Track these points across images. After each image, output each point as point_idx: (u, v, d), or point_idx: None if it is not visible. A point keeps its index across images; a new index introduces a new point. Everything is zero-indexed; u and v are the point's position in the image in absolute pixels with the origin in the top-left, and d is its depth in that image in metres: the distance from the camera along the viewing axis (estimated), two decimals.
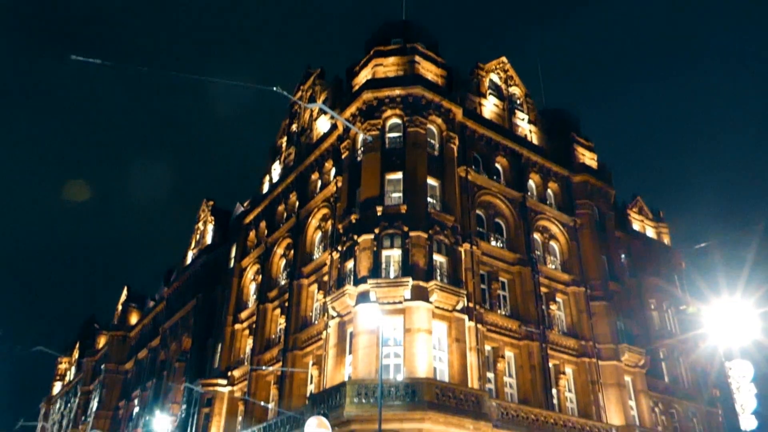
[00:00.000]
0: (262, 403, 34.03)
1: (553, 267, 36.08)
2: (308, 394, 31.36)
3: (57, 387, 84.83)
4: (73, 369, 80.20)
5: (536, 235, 36.17)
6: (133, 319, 67.46)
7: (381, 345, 25.31)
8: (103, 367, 63.79)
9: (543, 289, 34.24)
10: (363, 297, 27.80)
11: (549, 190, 38.74)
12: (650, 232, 48.82)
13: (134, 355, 60.32)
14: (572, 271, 36.12)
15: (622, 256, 41.81)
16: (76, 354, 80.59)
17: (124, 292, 71.85)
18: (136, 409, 53.75)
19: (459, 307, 28.64)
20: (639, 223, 48.37)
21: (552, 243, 37.03)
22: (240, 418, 37.17)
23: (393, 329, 27.53)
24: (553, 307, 34.37)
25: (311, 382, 32.29)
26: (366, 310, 26.77)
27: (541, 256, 35.66)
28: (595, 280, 35.92)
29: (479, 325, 29.87)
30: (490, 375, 30.37)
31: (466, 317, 29.05)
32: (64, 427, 71.85)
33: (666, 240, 49.39)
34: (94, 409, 61.33)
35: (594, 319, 34.89)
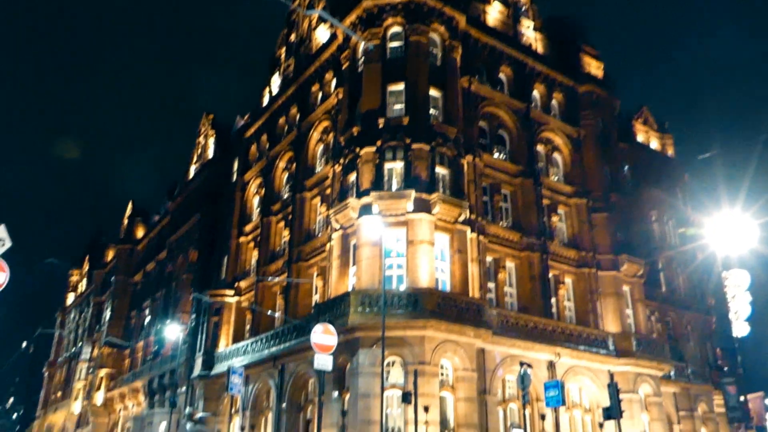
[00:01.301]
0: (269, 312, 35.02)
1: (556, 179, 36.07)
2: (313, 304, 32.22)
3: (70, 298, 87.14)
4: (84, 281, 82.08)
5: (539, 147, 35.93)
6: (140, 232, 68.36)
7: (384, 256, 25.79)
8: (113, 279, 65.25)
9: (545, 201, 34.38)
10: (366, 209, 27.98)
11: (553, 101, 38.13)
12: (654, 144, 48.43)
13: (142, 267, 61.53)
14: (575, 182, 36.12)
15: (625, 167, 41.71)
16: (86, 266, 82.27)
17: (129, 206, 72.40)
18: (148, 319, 55.38)
19: (461, 219, 28.86)
20: (643, 135, 47.91)
21: (555, 155, 36.83)
22: (248, 327, 38.36)
23: (396, 241, 27.88)
24: (554, 218, 34.62)
25: (316, 293, 33.08)
26: (369, 222, 27.03)
27: (543, 167, 35.56)
28: (597, 191, 35.97)
29: (481, 237, 30.23)
30: (491, 285, 31.01)
31: (468, 229, 29.34)
32: (80, 335, 74.37)
33: (670, 152, 49.07)
34: (107, 318, 63.22)
35: (595, 230, 35.22)
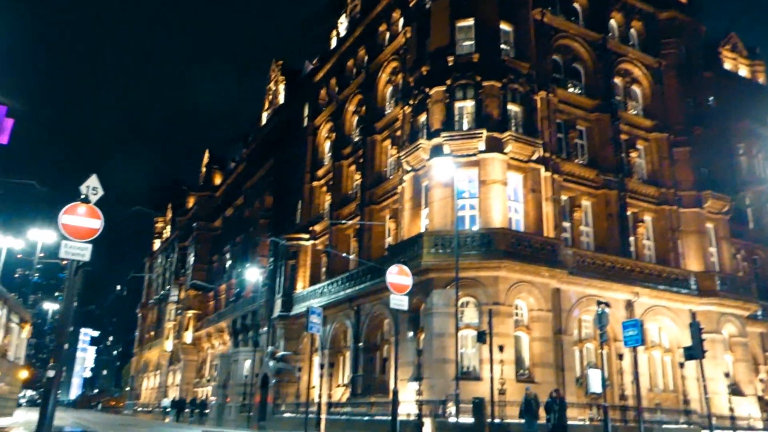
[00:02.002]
0: (344, 255, 35.75)
1: (635, 112, 34.51)
2: (386, 246, 32.64)
3: (157, 244, 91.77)
4: (168, 227, 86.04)
5: (617, 80, 34.31)
6: (217, 179, 70.62)
7: (456, 197, 25.65)
8: (194, 225, 68.04)
9: (623, 136, 33.05)
10: (437, 150, 27.75)
11: (632, 30, 36.10)
12: (743, 72, 45.29)
13: (221, 213, 63.78)
14: (655, 116, 34.44)
15: (710, 98, 39.27)
16: (169, 214, 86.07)
17: (206, 155, 74.66)
18: (228, 263, 57.74)
19: (535, 157, 28.22)
20: (731, 62, 44.85)
21: (634, 87, 35.12)
22: (324, 269, 39.37)
23: (468, 181, 27.63)
24: (633, 154, 33.31)
25: (389, 235, 33.45)
26: (440, 163, 26.85)
27: (621, 101, 34.04)
28: (679, 124, 34.21)
29: (555, 175, 29.52)
30: (567, 224, 30.43)
31: (542, 167, 28.68)
32: (167, 278, 78.52)
33: (761, 79, 45.80)
34: (191, 263, 66.34)
35: (676, 165, 33.70)
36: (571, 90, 32.51)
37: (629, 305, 28.94)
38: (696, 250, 32.28)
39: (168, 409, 49.28)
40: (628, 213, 31.77)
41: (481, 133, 27.25)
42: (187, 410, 48.19)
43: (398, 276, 14.32)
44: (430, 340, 25.22)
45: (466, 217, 27.47)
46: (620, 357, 24.76)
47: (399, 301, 14.15)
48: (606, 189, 31.35)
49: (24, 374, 17.07)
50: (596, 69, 33.23)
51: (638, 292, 29.13)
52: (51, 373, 9.33)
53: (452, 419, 21.48)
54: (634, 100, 35.02)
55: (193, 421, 42.32)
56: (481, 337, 23.09)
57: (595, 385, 25.63)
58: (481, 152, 27.28)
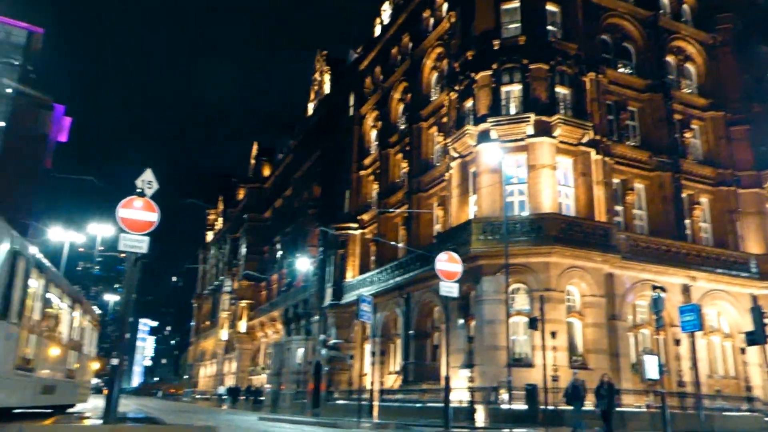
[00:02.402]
0: (393, 243, 35.87)
1: (689, 91, 33.40)
2: (435, 234, 32.59)
3: (209, 236, 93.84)
4: (220, 219, 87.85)
5: (669, 58, 33.25)
6: (266, 171, 71.65)
7: (504, 183, 25.38)
8: (245, 216, 69.26)
9: (677, 116, 32.05)
10: (484, 136, 27.50)
11: (684, 5, 34.90)
12: None
13: (271, 204, 64.74)
14: (710, 94, 33.27)
15: None
16: (220, 206, 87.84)
17: (255, 147, 75.81)
18: (279, 253, 58.63)
19: (584, 140, 27.67)
20: None
21: (687, 65, 33.97)
22: (372, 258, 39.59)
23: (516, 166, 27.32)
24: (687, 134, 32.29)
25: (437, 222, 33.38)
26: (488, 149, 26.60)
27: (674, 80, 33.00)
28: (736, 102, 32.93)
29: (606, 158, 28.89)
30: (619, 208, 29.80)
31: (592, 150, 28.11)
32: (220, 269, 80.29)
33: None
34: (243, 253, 67.62)
35: (733, 144, 32.52)
36: (621, 70, 31.69)
37: (686, 290, 28.18)
38: (756, 231, 31.14)
39: (224, 397, 50.61)
40: (684, 195, 30.88)
41: (529, 117, 26.86)
42: (242, 397, 49.36)
43: (448, 263, 14.30)
44: (481, 327, 25.14)
45: (515, 202, 27.19)
46: (677, 342, 24.19)
47: (449, 288, 14.14)
48: (660, 171, 30.53)
49: (96, 365, 19.25)
50: (647, 48, 32.27)
51: (695, 276, 28.34)
52: (114, 362, 9.71)
53: (505, 406, 21.41)
54: (687, 78, 33.89)
55: (247, 408, 43.35)
56: (532, 324, 22.90)
57: (652, 372, 25.01)
58: (529, 136, 26.92)
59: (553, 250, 24.96)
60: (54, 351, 15.10)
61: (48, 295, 14.39)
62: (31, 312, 12.96)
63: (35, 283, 13.14)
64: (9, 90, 53.43)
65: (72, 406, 19.46)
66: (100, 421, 10.35)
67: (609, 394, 18.05)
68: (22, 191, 56.54)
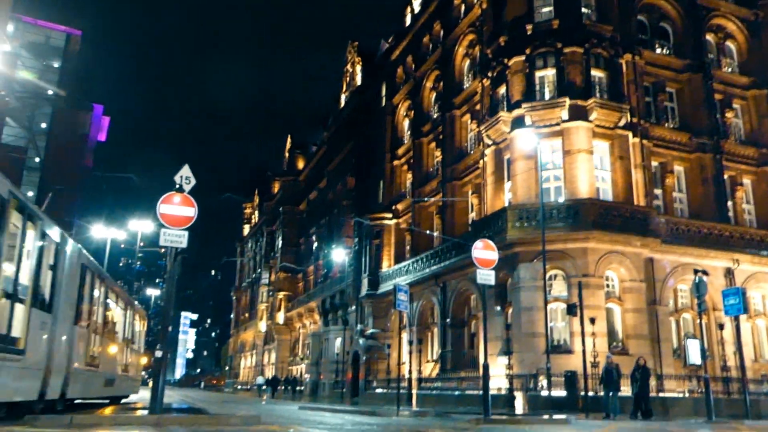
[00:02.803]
0: (428, 232, 35.85)
1: (729, 70, 32.49)
2: (470, 222, 32.47)
3: (246, 229, 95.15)
4: (256, 213, 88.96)
5: (709, 37, 32.37)
6: (300, 164, 72.22)
7: (539, 169, 25.12)
8: (280, 209, 70.01)
9: (717, 96, 31.21)
10: (518, 122, 27.24)
11: None
12: None
13: (306, 196, 65.29)
14: (752, 72, 32.30)
15: None
16: (256, 199, 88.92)
17: (288, 140, 76.44)
18: (315, 244, 59.16)
19: (621, 123, 27.19)
20: None
21: (728, 43, 33.02)
22: (408, 247, 39.66)
23: (551, 152, 27.01)
24: (728, 114, 31.44)
25: (472, 210, 33.24)
26: (522, 135, 26.35)
27: (714, 59, 32.13)
28: None
29: (644, 141, 28.35)
30: (658, 191, 29.25)
31: (629, 133, 27.60)
32: (257, 262, 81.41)
33: None
34: (279, 246, 68.43)
35: None
36: (658, 51, 30.99)
37: (729, 273, 27.54)
38: None
39: (263, 387, 51.44)
40: (725, 176, 30.12)
41: (564, 101, 26.50)
42: (281, 387, 50.08)
43: (484, 251, 14.23)
44: (519, 315, 25.02)
45: (551, 188, 26.90)
46: (721, 327, 23.69)
47: (486, 276, 14.09)
48: (700, 152, 29.84)
49: (144, 360, 20.91)
50: (685, 27, 31.47)
51: (738, 259, 27.66)
52: (159, 354, 9.97)
53: (544, 393, 21.29)
54: (728, 57, 32.96)
55: (286, 398, 43.98)
56: (571, 310, 22.67)
57: (694, 357, 24.66)
58: (564, 121, 26.57)
59: (590, 235, 24.65)
60: (113, 349, 17.27)
61: (107, 301, 16.29)
62: (96, 316, 14.98)
63: (97, 292, 15.00)
64: (50, 92, 54.83)
65: (127, 396, 21.75)
66: (146, 412, 10.65)
67: (642, 377, 17.83)
68: (66, 190, 58.14)
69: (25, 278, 9.73)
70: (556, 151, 26.95)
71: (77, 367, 12.93)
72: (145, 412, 10.84)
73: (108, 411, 13.88)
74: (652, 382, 21.79)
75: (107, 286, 16.14)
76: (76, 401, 15.20)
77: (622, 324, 25.17)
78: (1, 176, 8.67)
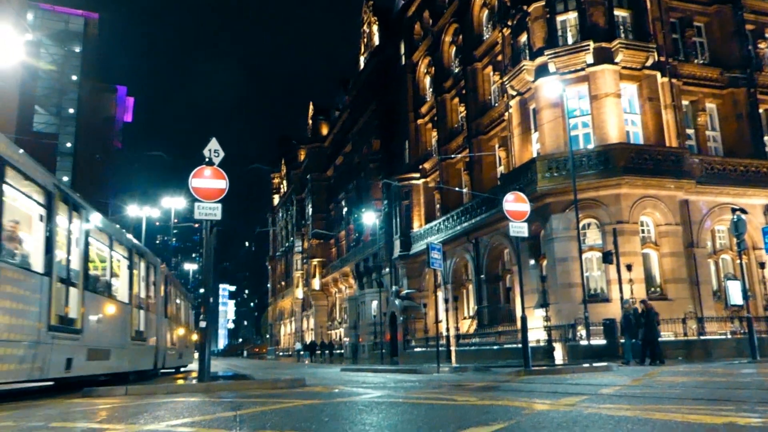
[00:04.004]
0: (456, 189, 35.69)
1: None
2: (498, 176, 32.19)
3: (276, 199, 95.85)
4: (284, 182, 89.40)
5: None
6: (324, 130, 72.05)
7: (566, 117, 24.66)
8: (308, 177, 70.26)
9: (748, 27, 30.04)
10: (542, 70, 26.68)
11: None
12: None
13: (332, 162, 65.30)
14: None
15: None
16: (283, 169, 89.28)
17: (311, 107, 76.15)
18: (345, 209, 59.40)
19: (649, 63, 26.44)
20: None
21: None
22: (438, 206, 39.58)
23: (578, 98, 26.47)
24: (761, 45, 30.30)
25: (499, 164, 32.91)
26: (547, 83, 25.85)
27: None
28: None
29: (674, 80, 27.56)
30: (690, 131, 28.54)
31: (657, 73, 26.85)
32: (289, 231, 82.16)
33: None
34: (310, 213, 68.90)
35: None
36: None
37: None
38: None
39: (302, 352, 52.46)
40: (761, 110, 29.21)
41: (588, 45, 25.83)
42: (318, 352, 51.08)
43: (515, 203, 14.10)
44: (554, 266, 24.91)
45: (580, 136, 26.44)
46: (761, 266, 23.26)
47: (519, 228, 13.97)
48: (733, 88, 28.92)
49: (195, 336, 25.30)
50: None
51: None
52: (203, 324, 10.20)
53: (583, 342, 21.31)
54: None
55: (324, 362, 44.82)
56: (606, 258, 22.50)
57: (736, 297, 24.39)
58: (589, 66, 25.95)
59: (622, 181, 24.27)
60: (181, 331, 22.48)
61: (176, 298, 21.16)
62: (172, 308, 19.94)
63: (171, 291, 19.99)
64: (74, 77, 55.33)
65: (186, 366, 25.86)
66: (195, 381, 10.96)
67: (648, 321, 17.41)
68: (99, 172, 59.24)
69: (143, 294, 15.02)
70: (582, 97, 26.40)
71: (167, 347, 18.37)
72: (194, 381, 11.15)
73: (179, 377, 16.52)
74: (693, 325, 21.68)
75: (174, 285, 20.80)
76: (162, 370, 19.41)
77: (660, 269, 24.91)
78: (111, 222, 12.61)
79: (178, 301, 21.88)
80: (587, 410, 5.18)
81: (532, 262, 26.50)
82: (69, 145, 53.38)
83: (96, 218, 11.12)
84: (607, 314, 21.88)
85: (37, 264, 8.36)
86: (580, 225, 23.53)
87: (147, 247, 17.92)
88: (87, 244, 10.45)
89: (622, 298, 21.52)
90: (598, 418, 4.63)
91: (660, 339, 18.08)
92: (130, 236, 14.49)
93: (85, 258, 10.26)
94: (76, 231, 9.87)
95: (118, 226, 14.35)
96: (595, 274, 24.84)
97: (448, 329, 29.36)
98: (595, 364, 15.81)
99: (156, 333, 16.12)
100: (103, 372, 11.64)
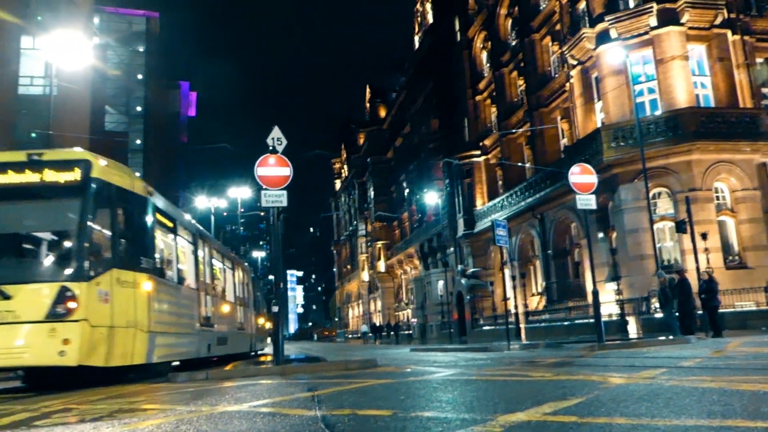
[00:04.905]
0: (519, 164, 35.13)
1: None
2: (562, 149, 31.48)
3: (338, 184, 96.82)
4: (345, 167, 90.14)
5: None
6: (382, 112, 72.10)
7: (631, 83, 23.83)
8: (369, 160, 70.57)
9: None
10: (603, 37, 25.82)
11: None
12: None
13: (392, 144, 65.33)
14: None
15: None
16: (344, 154, 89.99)
17: (368, 90, 76.28)
18: (406, 191, 59.43)
19: (718, 21, 25.17)
20: None
21: None
22: (500, 183, 39.08)
23: (642, 64, 25.54)
24: None
25: (563, 137, 32.16)
26: (609, 50, 25.05)
27: None
28: None
29: (746, 37, 26.17)
30: (765, 90, 27.07)
31: (728, 31, 25.54)
32: (353, 215, 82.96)
33: None
34: (372, 196, 69.28)
35: None
36: None
37: None
38: None
39: (369, 334, 53.10)
40: None
41: (651, 7, 24.80)
42: (384, 333, 51.61)
43: (581, 176, 13.75)
44: (623, 238, 24.25)
45: (646, 102, 25.52)
46: None
47: (586, 201, 13.65)
48: None
49: (269, 325, 26.81)
50: None
51: None
52: (275, 309, 10.47)
53: (658, 315, 20.70)
54: None
55: (390, 342, 45.20)
56: (680, 227, 21.71)
57: None
58: (653, 29, 24.94)
59: (694, 146, 23.31)
60: (261, 320, 25.22)
61: (256, 291, 24.20)
62: (255, 300, 23.07)
63: (254, 287, 23.35)
64: (140, 76, 57.25)
65: (263, 349, 27.68)
66: (271, 364, 11.29)
67: (681, 293, 16.56)
68: (169, 166, 61.41)
69: (241, 294, 19.03)
70: (647, 62, 25.43)
71: (256, 334, 22.21)
72: (270, 364, 11.49)
73: (241, 363, 16.26)
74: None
75: (253, 281, 23.64)
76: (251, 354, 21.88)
77: (737, 236, 23.88)
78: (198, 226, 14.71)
79: (257, 293, 25.45)
80: (668, 383, 5.06)
81: (601, 234, 25.85)
82: (138, 142, 55.35)
83: (216, 244, 16.10)
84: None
85: (192, 283, 12.72)
86: (650, 194, 22.76)
87: (216, 238, 21.44)
88: (212, 265, 14.95)
89: (698, 268, 20.74)
90: (680, 390, 4.52)
91: (719, 310, 17.31)
92: (232, 254, 19.86)
93: (212, 274, 14.82)
94: (206, 256, 14.39)
95: (224, 245, 20.07)
96: (668, 245, 24.05)
97: (516, 306, 29.10)
98: (670, 337, 15.36)
99: (249, 324, 20.38)
100: (224, 353, 15.71)
